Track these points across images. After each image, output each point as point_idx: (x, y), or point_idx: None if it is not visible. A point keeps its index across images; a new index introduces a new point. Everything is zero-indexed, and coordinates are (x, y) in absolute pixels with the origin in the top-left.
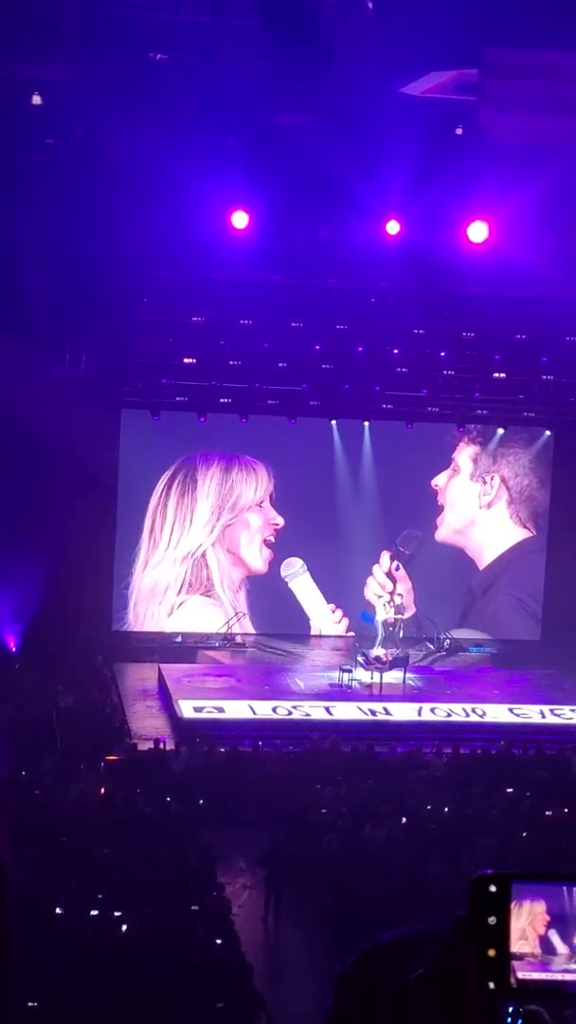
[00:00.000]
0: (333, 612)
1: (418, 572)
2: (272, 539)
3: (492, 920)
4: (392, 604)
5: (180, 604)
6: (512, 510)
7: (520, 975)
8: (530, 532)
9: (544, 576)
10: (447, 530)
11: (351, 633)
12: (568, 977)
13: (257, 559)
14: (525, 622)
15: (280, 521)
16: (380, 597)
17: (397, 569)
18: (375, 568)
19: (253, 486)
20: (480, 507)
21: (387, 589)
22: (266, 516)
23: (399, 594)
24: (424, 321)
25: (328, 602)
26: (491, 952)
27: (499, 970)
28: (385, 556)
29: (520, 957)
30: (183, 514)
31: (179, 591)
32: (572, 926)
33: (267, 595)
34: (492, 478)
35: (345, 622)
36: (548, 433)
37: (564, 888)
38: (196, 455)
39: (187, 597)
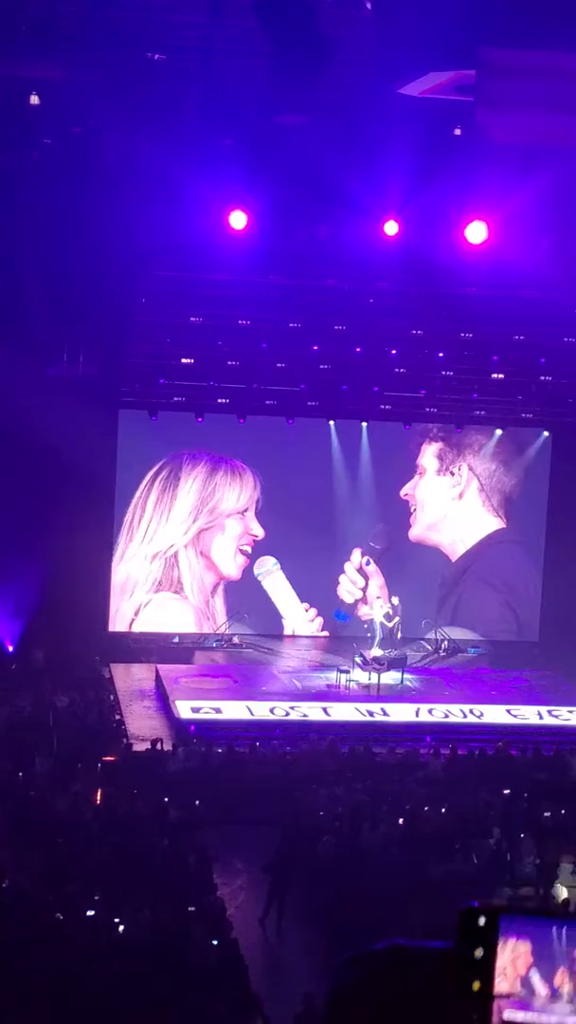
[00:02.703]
0: (307, 611)
1: (394, 572)
2: (248, 549)
3: (479, 953)
4: (390, 605)
5: (147, 603)
6: (484, 497)
7: (506, 1015)
8: (502, 523)
9: (542, 579)
10: (420, 528)
11: (325, 632)
12: (550, 1019)
13: (230, 566)
14: (500, 610)
15: (260, 533)
16: (369, 599)
17: (368, 564)
18: (346, 565)
19: (236, 492)
20: (452, 499)
21: (359, 585)
22: (246, 525)
23: (380, 598)
24: (422, 322)
25: (302, 601)
26: (476, 985)
27: (482, 1004)
28: (356, 553)
29: (505, 996)
30: (161, 510)
31: (148, 589)
32: (556, 966)
33: (244, 600)
34: (459, 468)
35: (319, 621)
36: (546, 434)
37: (552, 927)
38: (183, 453)
39: (154, 595)
